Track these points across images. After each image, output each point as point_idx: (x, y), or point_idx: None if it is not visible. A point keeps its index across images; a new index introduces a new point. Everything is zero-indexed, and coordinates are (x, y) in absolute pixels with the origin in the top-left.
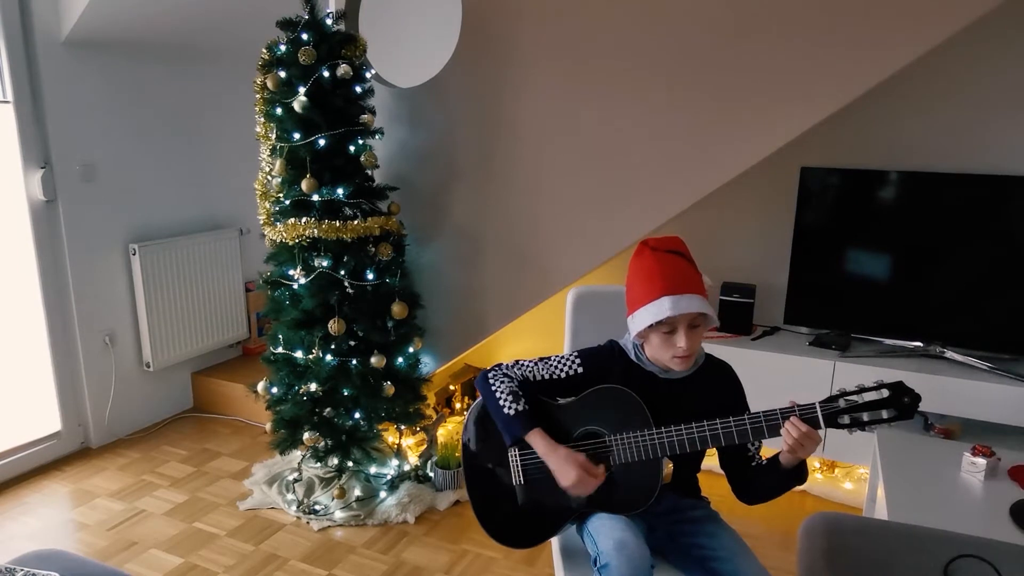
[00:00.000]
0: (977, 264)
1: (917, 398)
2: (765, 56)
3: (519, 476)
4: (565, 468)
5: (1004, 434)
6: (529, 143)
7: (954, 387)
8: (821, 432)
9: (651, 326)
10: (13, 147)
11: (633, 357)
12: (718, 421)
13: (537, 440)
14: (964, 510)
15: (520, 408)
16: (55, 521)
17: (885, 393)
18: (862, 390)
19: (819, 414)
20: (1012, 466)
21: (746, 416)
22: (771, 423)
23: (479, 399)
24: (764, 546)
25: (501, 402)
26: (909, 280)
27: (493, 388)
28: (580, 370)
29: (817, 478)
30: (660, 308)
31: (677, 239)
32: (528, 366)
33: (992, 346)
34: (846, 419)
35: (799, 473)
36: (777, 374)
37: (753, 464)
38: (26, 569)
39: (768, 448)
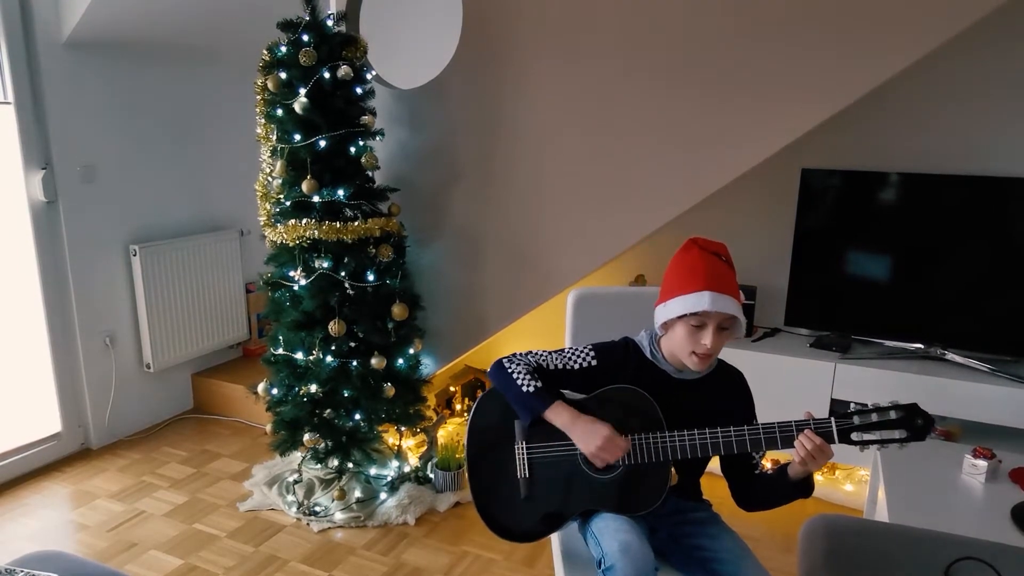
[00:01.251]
0: (978, 266)
1: (930, 420)
2: (766, 58)
3: (524, 469)
4: (592, 430)
5: (1005, 436)
6: (529, 144)
7: (955, 389)
8: (834, 447)
9: (682, 316)
10: (14, 148)
11: (648, 355)
12: (732, 428)
13: (561, 411)
14: (965, 512)
15: (539, 384)
16: (55, 522)
17: (899, 414)
18: (876, 409)
19: (834, 429)
20: (1013, 468)
21: (760, 426)
22: (785, 434)
23: (484, 391)
24: (765, 548)
25: (519, 381)
26: (910, 282)
27: (509, 370)
28: (594, 363)
29: (817, 479)
30: (700, 300)
31: (724, 246)
32: (542, 355)
33: (993, 348)
34: (859, 436)
35: (805, 486)
36: (778, 376)
37: (756, 472)
38: (26, 570)
39: (771, 455)
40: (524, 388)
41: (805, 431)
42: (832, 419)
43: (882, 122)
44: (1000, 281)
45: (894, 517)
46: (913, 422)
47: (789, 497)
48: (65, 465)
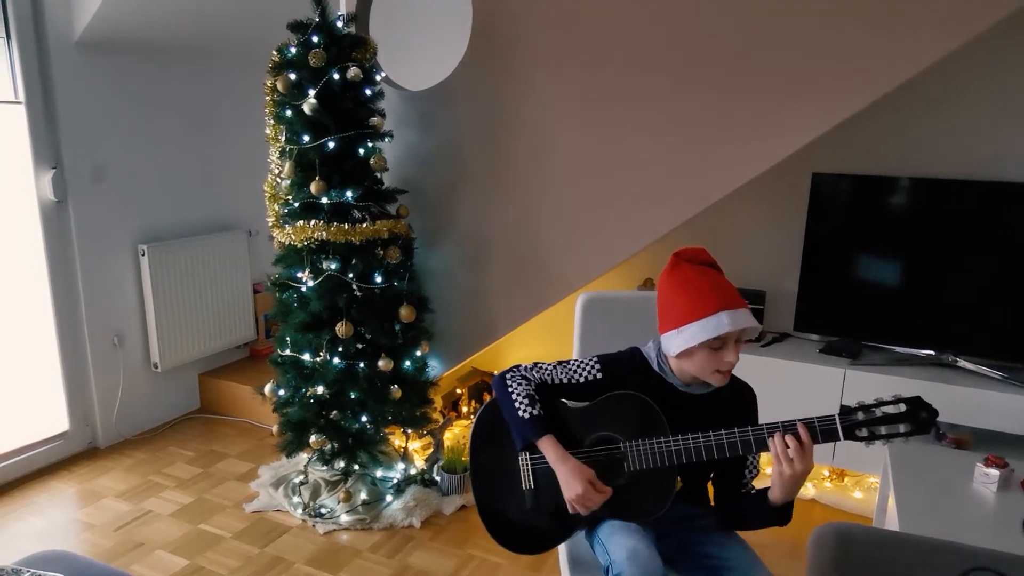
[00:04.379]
0: (990, 272)
1: (935, 413)
2: (777, 61)
3: (529, 480)
4: (572, 481)
5: (1017, 445)
6: (538, 147)
7: (966, 396)
8: (841, 450)
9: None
10: (25, 147)
11: (655, 367)
12: (735, 429)
13: (548, 447)
14: (977, 522)
15: (535, 412)
16: (62, 521)
17: (903, 407)
18: (880, 403)
19: (838, 425)
20: None
21: (764, 424)
22: (789, 431)
23: (487, 401)
24: (773, 555)
25: (516, 404)
26: (921, 288)
27: (510, 390)
28: (599, 376)
29: (827, 486)
30: (719, 323)
31: (706, 251)
32: (547, 369)
33: (1005, 355)
34: (864, 431)
35: (782, 513)
36: (787, 381)
37: (743, 491)
38: (32, 570)
39: (764, 477)
40: (520, 413)
41: (787, 433)
42: (836, 415)
43: (894, 126)
44: (1013, 287)
45: (904, 526)
46: (917, 415)
47: (765, 520)
48: (72, 464)
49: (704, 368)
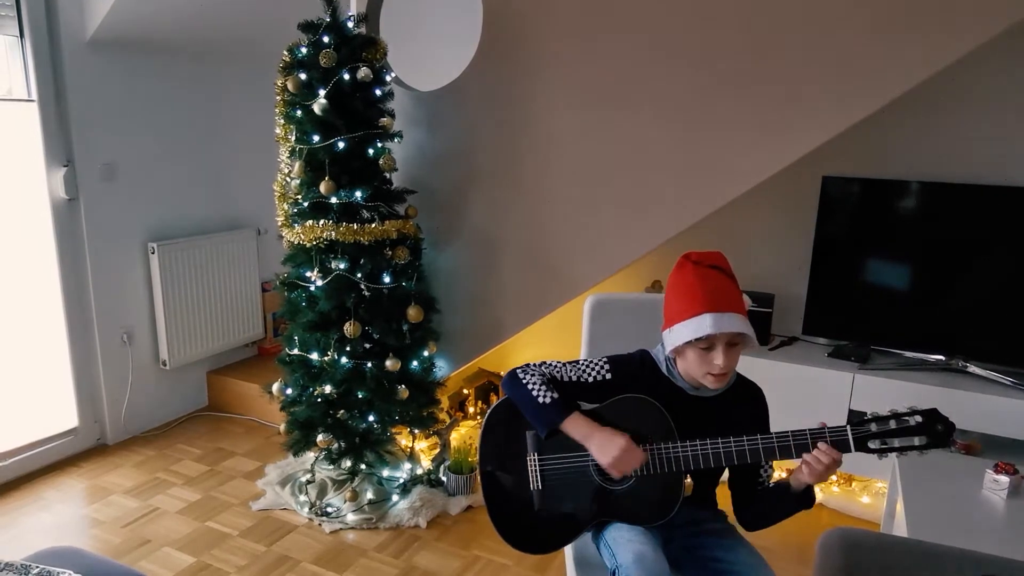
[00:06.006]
0: (1000, 277)
1: (951, 427)
2: (788, 65)
3: (537, 481)
4: (611, 442)
5: None
6: (548, 148)
7: (976, 402)
8: (851, 456)
9: (689, 342)
10: (37, 145)
11: (664, 370)
12: (744, 438)
13: (578, 422)
14: (986, 529)
15: (555, 396)
16: (70, 517)
17: (918, 419)
18: (894, 415)
19: (850, 438)
20: None
21: (774, 435)
22: (799, 443)
23: (496, 402)
24: (780, 560)
25: (534, 393)
26: (931, 292)
27: (524, 381)
28: (608, 376)
29: (834, 491)
30: (701, 325)
31: (720, 254)
32: (556, 366)
33: (1015, 361)
34: (877, 444)
35: (806, 498)
36: (795, 385)
37: (760, 489)
38: (41, 566)
39: (781, 467)
40: (541, 400)
41: (820, 445)
42: (848, 427)
43: (904, 130)
44: (1023, 293)
45: (913, 532)
46: (933, 428)
47: (791, 511)
48: (81, 460)
49: (696, 369)
